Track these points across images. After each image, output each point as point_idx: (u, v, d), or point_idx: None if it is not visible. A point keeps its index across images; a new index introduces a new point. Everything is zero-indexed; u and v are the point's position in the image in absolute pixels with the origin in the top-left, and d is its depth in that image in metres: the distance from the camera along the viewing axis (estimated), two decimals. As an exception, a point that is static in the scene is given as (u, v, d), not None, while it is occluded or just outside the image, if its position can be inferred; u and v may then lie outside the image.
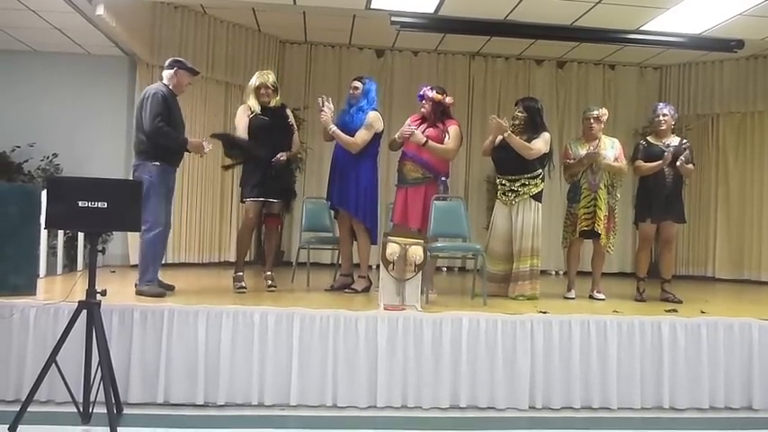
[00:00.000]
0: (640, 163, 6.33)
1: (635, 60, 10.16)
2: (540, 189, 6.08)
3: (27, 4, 6.68)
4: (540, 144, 6.03)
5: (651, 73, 10.46)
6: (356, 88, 6.08)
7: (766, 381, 5.04)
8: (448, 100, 6.08)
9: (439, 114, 6.04)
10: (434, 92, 6.03)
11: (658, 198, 6.24)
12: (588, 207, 6.23)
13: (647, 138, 6.56)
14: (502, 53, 10.11)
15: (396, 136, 6.08)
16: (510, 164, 6.10)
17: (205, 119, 8.58)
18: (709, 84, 9.90)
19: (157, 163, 5.30)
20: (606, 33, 8.08)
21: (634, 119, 10.03)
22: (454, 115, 6.26)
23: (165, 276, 5.67)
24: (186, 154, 5.67)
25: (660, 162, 6.15)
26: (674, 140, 6.34)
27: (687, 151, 6.29)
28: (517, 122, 6.15)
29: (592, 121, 6.31)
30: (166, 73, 5.51)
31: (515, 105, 6.31)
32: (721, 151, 9.83)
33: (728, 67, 9.69)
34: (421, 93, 6.11)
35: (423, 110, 6.09)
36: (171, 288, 5.54)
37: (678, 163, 6.14)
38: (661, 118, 6.35)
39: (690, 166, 6.26)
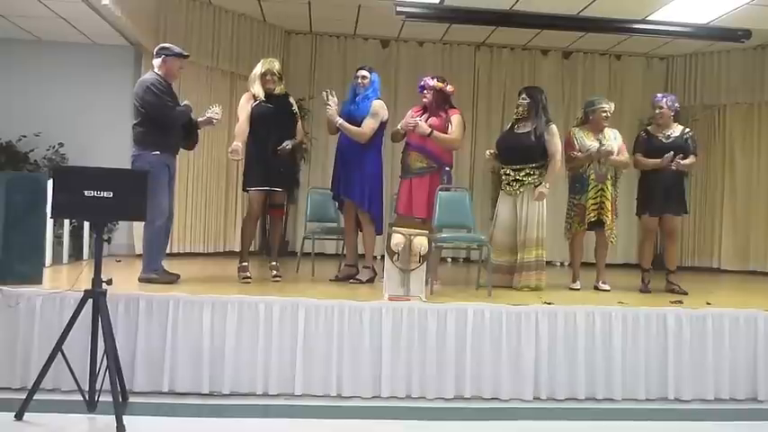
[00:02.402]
0: (639, 158, 6.30)
1: (641, 50, 10.10)
2: (543, 179, 6.06)
3: (32, -7, 6.68)
4: (558, 143, 6.07)
5: (657, 63, 10.40)
6: (365, 77, 6.06)
7: (771, 372, 5.04)
8: (449, 88, 6.06)
9: (441, 103, 6.03)
10: (435, 80, 6.02)
11: (658, 190, 6.20)
12: (596, 198, 6.20)
13: (648, 128, 6.52)
14: (507, 43, 10.06)
15: (398, 127, 6.07)
16: (514, 154, 6.10)
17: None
18: (715, 74, 9.84)
19: (157, 152, 5.32)
20: (612, 23, 8.04)
21: (640, 109, 9.96)
22: (456, 104, 6.24)
23: (170, 266, 5.68)
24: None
25: (658, 161, 6.11)
26: (677, 130, 6.30)
27: (690, 141, 6.26)
28: (520, 110, 6.16)
29: (606, 115, 6.28)
30: (155, 62, 5.52)
31: (519, 94, 6.30)
32: (728, 142, 9.78)
33: (735, 57, 9.63)
34: (421, 83, 6.09)
35: (424, 100, 6.07)
36: (176, 277, 5.56)
37: (674, 167, 6.10)
38: (657, 111, 6.32)
39: (690, 159, 6.20)
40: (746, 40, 8.13)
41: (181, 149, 5.76)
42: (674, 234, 6.52)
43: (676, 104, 6.43)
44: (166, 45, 5.63)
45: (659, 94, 6.56)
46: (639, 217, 6.49)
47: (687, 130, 6.39)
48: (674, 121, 6.39)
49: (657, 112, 6.31)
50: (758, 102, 9.57)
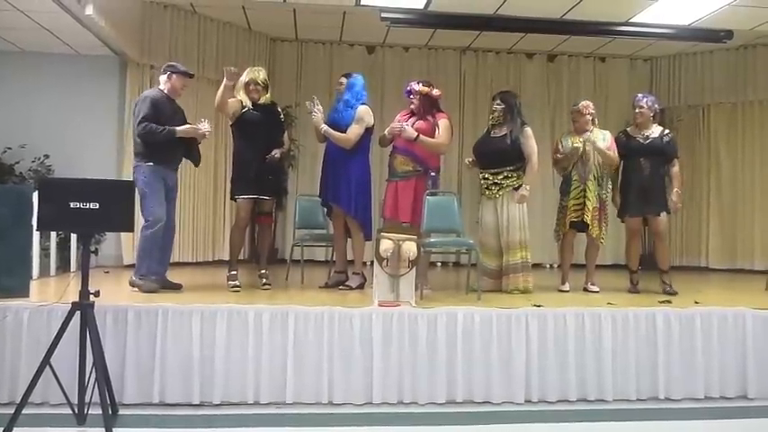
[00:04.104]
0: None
1: (625, 52, 10.18)
2: (522, 181, 6.08)
3: (15, 4, 6.63)
4: (534, 144, 6.08)
5: (641, 65, 10.48)
6: (341, 84, 6.12)
7: (761, 370, 5.06)
8: (435, 92, 6.08)
9: (428, 107, 6.04)
10: (420, 85, 6.03)
11: (637, 191, 6.24)
12: (578, 198, 6.25)
13: (627, 129, 6.55)
14: (492, 47, 10.11)
15: (385, 132, 6.07)
16: (491, 158, 6.13)
17: (197, 117, 8.53)
18: (699, 74, 9.95)
19: (151, 163, 5.47)
20: (596, 26, 8.11)
21: (625, 111, 9.92)
22: (443, 108, 6.26)
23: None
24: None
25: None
26: (656, 131, 6.33)
27: (670, 143, 6.30)
28: (495, 115, 6.20)
29: (573, 114, 6.40)
30: (161, 78, 5.70)
31: (493, 99, 6.33)
32: (712, 142, 9.88)
33: (718, 57, 9.72)
34: (408, 89, 6.11)
35: (412, 106, 6.09)
36: (178, 287, 5.61)
37: (671, 205, 6.24)
38: (637, 110, 6.36)
39: (675, 168, 6.28)
40: (728, 40, 8.22)
41: (187, 163, 5.91)
42: (662, 234, 6.54)
43: (656, 105, 6.48)
44: (173, 63, 5.81)
45: (640, 94, 6.61)
46: (622, 219, 6.51)
47: (666, 131, 6.42)
48: (655, 122, 6.43)
49: (637, 111, 6.36)
50: (741, 101, 9.67)
